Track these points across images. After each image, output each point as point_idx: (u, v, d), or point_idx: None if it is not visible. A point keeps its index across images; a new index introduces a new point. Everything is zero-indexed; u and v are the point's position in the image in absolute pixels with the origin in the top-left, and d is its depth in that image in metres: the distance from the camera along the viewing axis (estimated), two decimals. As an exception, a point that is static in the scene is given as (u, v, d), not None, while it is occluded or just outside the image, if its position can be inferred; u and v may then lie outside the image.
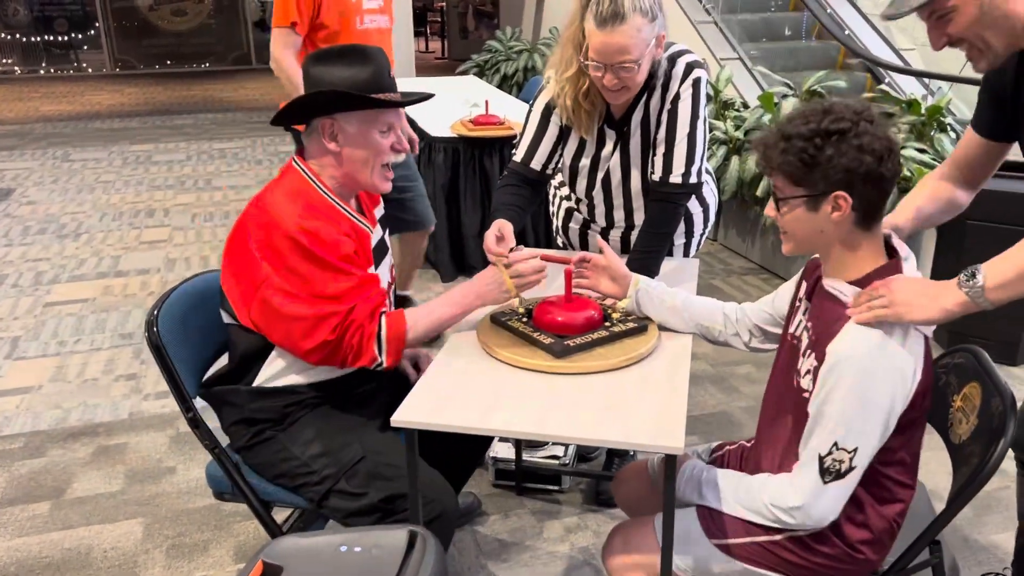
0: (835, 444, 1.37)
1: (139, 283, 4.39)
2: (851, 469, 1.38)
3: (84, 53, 13.03)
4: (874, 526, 1.49)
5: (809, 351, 1.46)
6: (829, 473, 1.39)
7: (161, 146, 7.77)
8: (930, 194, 1.76)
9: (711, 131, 4.53)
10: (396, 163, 1.79)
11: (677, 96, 2.03)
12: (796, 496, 1.41)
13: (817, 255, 1.55)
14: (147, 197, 6.04)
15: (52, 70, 12.86)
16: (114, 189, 6.26)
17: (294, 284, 1.64)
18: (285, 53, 3.02)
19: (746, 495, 1.50)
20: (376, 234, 1.86)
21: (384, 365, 1.70)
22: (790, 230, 1.45)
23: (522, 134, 2.18)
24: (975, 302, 1.35)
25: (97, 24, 12.82)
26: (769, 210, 1.48)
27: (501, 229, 1.88)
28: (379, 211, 1.94)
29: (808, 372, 1.45)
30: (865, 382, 1.34)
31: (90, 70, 12.95)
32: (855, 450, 1.37)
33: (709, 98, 4.86)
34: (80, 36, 12.97)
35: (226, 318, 1.80)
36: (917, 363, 1.39)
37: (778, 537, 1.49)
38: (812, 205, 1.40)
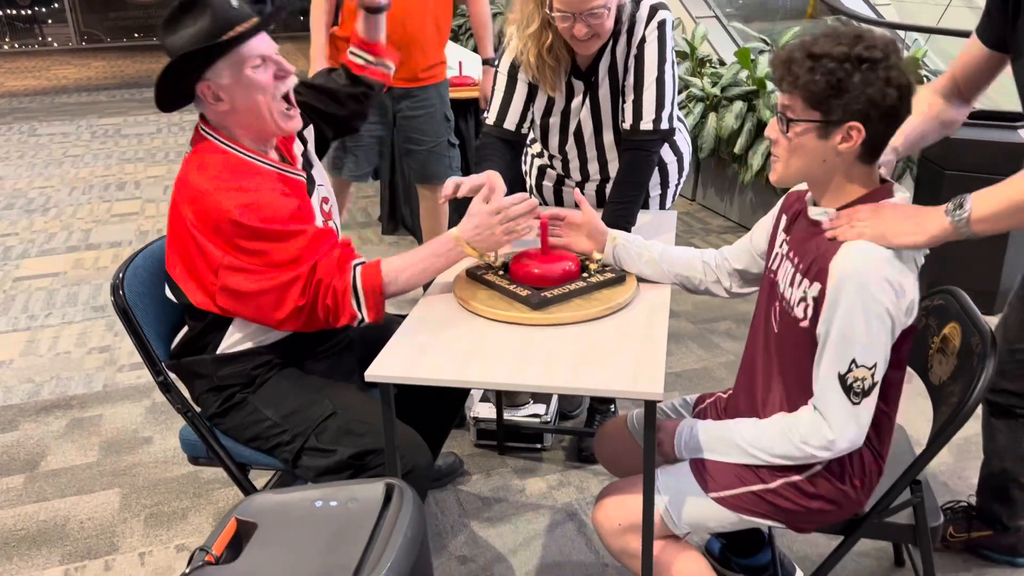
0: (853, 362, 1.34)
1: (111, 256, 4.31)
2: (874, 385, 1.36)
3: (49, 27, 12.76)
4: (866, 460, 1.48)
5: (800, 278, 1.42)
6: (856, 393, 1.36)
7: (130, 119, 7.63)
8: (925, 112, 1.74)
9: (687, 87, 4.49)
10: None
11: (643, 40, 1.99)
12: (831, 428, 1.38)
13: (800, 187, 1.52)
14: (117, 170, 5.92)
15: (16, 45, 12.59)
16: (83, 163, 6.14)
17: (249, 261, 1.58)
18: (315, 8, 3.00)
19: (770, 441, 1.46)
20: (311, 177, 1.79)
21: (366, 321, 1.64)
22: (790, 155, 1.39)
23: (491, 96, 2.13)
24: (959, 231, 1.36)
25: (61, -3, 12.55)
26: (770, 130, 1.41)
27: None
28: (297, 147, 1.82)
29: (802, 300, 1.41)
30: (871, 295, 1.31)
31: (55, 44, 12.69)
32: (875, 365, 1.35)
33: (685, 56, 4.82)
34: (44, 10, 12.69)
35: (176, 300, 1.74)
36: (914, 277, 1.38)
37: (773, 485, 1.48)
38: (823, 132, 1.34)
